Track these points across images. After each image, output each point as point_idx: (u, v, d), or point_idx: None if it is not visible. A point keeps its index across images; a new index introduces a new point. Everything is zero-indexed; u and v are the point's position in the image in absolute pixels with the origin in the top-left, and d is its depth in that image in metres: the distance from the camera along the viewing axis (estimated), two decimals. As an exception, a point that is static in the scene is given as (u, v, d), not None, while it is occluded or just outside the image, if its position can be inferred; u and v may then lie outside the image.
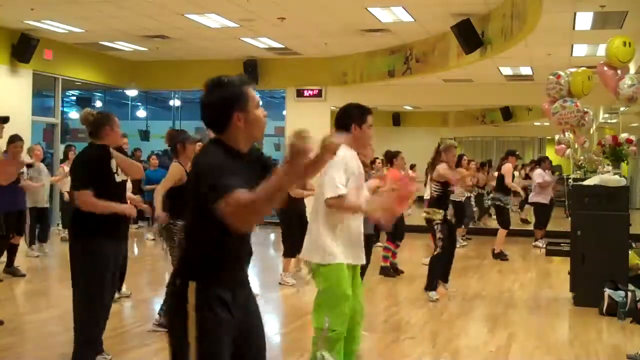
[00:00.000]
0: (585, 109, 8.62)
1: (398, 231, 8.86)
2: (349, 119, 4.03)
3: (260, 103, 2.61)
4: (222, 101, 2.52)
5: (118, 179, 4.77)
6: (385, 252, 9.06)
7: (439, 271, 7.55)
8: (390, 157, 9.19)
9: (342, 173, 3.82)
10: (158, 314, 5.90)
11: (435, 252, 7.49)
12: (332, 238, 3.86)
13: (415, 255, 10.76)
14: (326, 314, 3.82)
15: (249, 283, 2.72)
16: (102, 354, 4.86)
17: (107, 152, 4.71)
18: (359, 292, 4.11)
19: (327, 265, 3.87)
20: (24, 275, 8.37)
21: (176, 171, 5.80)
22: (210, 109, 2.55)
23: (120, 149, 5.13)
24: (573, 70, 8.66)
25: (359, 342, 4.15)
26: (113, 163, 4.74)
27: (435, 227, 7.37)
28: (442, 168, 7.39)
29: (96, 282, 4.57)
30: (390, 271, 8.95)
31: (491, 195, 11.73)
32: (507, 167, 11.03)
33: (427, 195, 8.60)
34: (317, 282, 3.95)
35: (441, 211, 7.41)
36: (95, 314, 4.63)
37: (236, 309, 2.54)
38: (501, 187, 10.97)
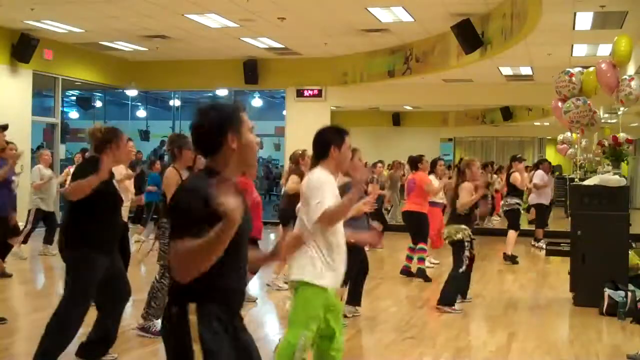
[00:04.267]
0: (595, 109, 8.59)
1: (426, 232, 8.92)
2: (326, 142, 3.97)
3: (253, 128, 2.58)
4: (216, 122, 2.48)
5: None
6: (420, 254, 8.90)
7: (460, 289, 7.16)
8: (415, 162, 9.13)
9: (327, 196, 3.81)
10: (142, 316, 5.79)
11: (460, 270, 6.92)
12: (323, 261, 3.88)
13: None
14: (302, 330, 3.84)
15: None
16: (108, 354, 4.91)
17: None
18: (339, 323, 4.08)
19: (313, 286, 3.87)
20: (10, 276, 8.24)
21: (174, 176, 5.78)
22: (203, 131, 2.50)
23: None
24: (581, 69, 8.61)
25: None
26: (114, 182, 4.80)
27: (466, 244, 6.88)
28: (465, 191, 6.97)
29: (81, 293, 4.61)
30: (425, 273, 8.75)
31: (504, 201, 11.70)
32: (514, 177, 10.95)
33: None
34: (297, 297, 3.94)
35: (466, 227, 6.92)
36: (70, 323, 4.62)
37: (234, 329, 2.51)
38: (512, 192, 10.92)
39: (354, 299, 6.56)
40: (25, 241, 9.80)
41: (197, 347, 2.37)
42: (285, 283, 7.71)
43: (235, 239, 2.32)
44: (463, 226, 6.90)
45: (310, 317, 3.86)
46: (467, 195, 6.93)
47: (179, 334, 2.40)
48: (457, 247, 6.93)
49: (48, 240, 9.93)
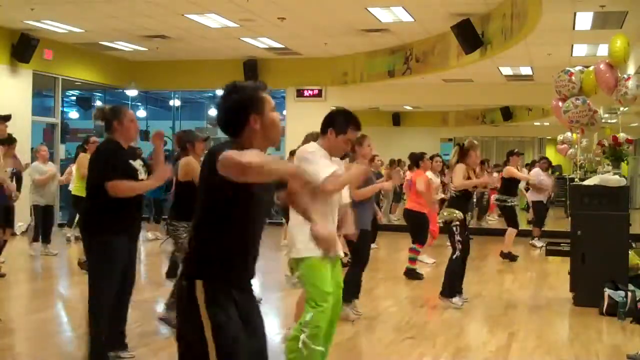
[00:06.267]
0: (595, 109, 8.58)
1: (423, 234, 8.86)
2: (330, 122, 4.00)
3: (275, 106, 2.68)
4: (238, 104, 2.59)
5: (140, 177, 4.79)
6: (412, 254, 8.89)
7: (458, 275, 7.11)
8: (416, 160, 9.08)
9: (323, 163, 3.85)
10: (165, 304, 5.91)
11: (454, 255, 6.94)
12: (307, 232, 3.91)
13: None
14: (309, 310, 3.90)
15: (252, 284, 2.77)
16: (126, 350, 4.94)
17: (119, 146, 4.70)
18: (339, 281, 4.18)
19: (305, 260, 3.90)
20: (3, 276, 8.17)
21: (196, 163, 5.75)
22: (227, 112, 2.62)
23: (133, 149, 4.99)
24: (581, 67, 8.58)
25: (332, 340, 4.25)
26: (136, 163, 4.75)
27: (454, 228, 6.90)
28: (459, 171, 6.94)
29: (105, 278, 4.62)
30: (416, 273, 8.73)
31: (496, 196, 11.66)
32: (509, 170, 10.92)
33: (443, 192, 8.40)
34: (301, 279, 4.01)
35: (459, 212, 6.93)
36: (101, 310, 4.66)
37: (242, 307, 2.60)
38: (506, 188, 10.91)
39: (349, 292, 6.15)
40: (35, 239, 9.85)
41: (206, 322, 2.49)
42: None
43: (246, 220, 2.52)
44: (456, 210, 6.96)
45: (316, 295, 3.90)
46: (460, 175, 6.92)
47: (189, 308, 2.53)
48: (449, 232, 7.00)
49: (45, 239, 9.93)
